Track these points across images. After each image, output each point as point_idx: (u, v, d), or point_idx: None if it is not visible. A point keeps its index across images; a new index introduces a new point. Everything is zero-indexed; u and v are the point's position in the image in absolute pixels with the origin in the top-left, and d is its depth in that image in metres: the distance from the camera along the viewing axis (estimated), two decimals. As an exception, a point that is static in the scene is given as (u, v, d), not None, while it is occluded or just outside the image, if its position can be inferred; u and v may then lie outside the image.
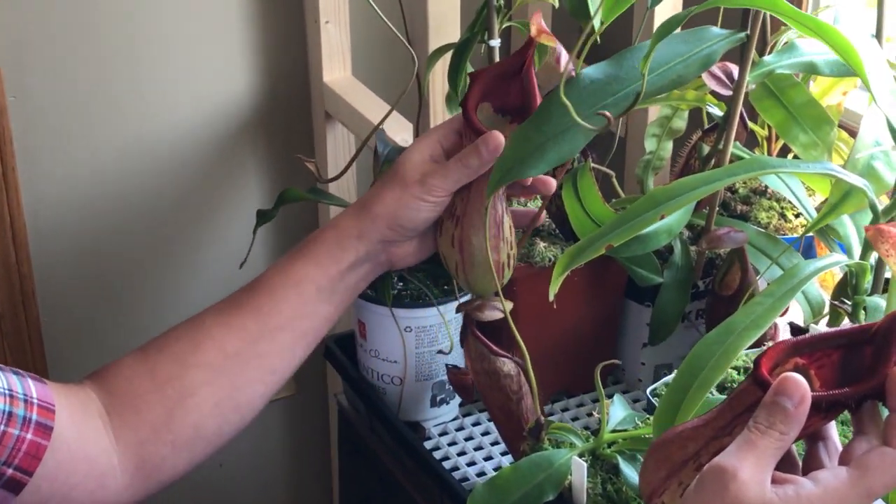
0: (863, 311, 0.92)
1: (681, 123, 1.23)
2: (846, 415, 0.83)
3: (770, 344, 0.77)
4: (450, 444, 1.14)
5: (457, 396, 1.15)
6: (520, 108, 0.96)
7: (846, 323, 0.97)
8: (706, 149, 1.11)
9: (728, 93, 1.04)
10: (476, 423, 1.16)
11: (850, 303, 0.94)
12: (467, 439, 1.14)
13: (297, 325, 0.98)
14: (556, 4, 1.14)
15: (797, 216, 1.24)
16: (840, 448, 0.69)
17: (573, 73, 0.93)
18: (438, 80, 1.30)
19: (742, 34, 0.99)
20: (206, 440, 0.96)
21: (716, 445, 0.68)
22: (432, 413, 1.15)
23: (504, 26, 1.12)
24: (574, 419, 1.16)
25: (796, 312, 1.10)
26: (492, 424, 1.14)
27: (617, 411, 0.94)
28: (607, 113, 0.88)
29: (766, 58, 1.04)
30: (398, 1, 1.20)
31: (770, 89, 1.07)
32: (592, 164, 1.09)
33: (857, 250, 0.96)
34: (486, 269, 0.94)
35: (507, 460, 1.10)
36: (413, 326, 1.09)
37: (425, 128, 1.33)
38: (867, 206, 0.87)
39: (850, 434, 0.69)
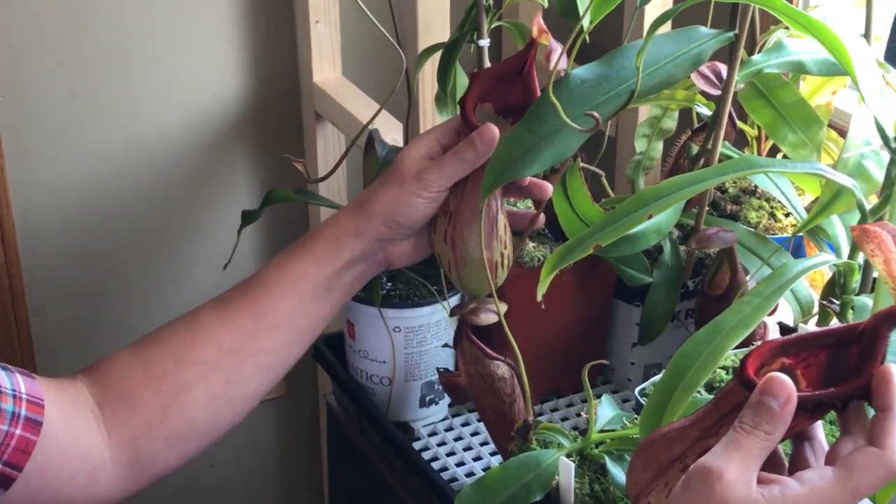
0: (851, 311, 0.92)
1: (671, 123, 1.23)
2: (834, 414, 0.83)
3: (758, 343, 0.76)
4: (439, 445, 1.13)
5: (446, 396, 1.15)
6: (522, 108, 0.95)
7: (835, 322, 0.96)
8: (695, 148, 1.11)
9: (717, 92, 1.04)
10: (465, 424, 1.16)
11: (838, 302, 0.93)
12: (456, 439, 1.14)
13: (293, 322, 0.97)
14: (546, 4, 1.14)
15: (787, 216, 1.24)
16: (826, 448, 0.68)
17: (563, 74, 0.93)
18: (428, 79, 1.30)
19: (730, 33, 0.99)
20: (199, 435, 0.96)
21: (702, 446, 0.68)
22: (421, 413, 1.15)
23: (493, 26, 1.12)
24: (564, 419, 1.16)
25: (786, 312, 1.10)
26: (481, 425, 1.14)
27: (605, 411, 0.94)
28: (595, 114, 0.87)
29: (755, 57, 1.04)
30: (388, 1, 1.20)
31: (759, 89, 1.07)
32: (582, 164, 1.09)
33: (845, 250, 0.96)
34: (479, 267, 0.94)
35: (496, 461, 1.10)
36: (402, 327, 1.09)
37: (415, 128, 1.33)
38: (856, 206, 0.87)
39: (838, 434, 0.69)
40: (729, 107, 1.05)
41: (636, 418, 0.93)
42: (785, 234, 1.20)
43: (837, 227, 0.98)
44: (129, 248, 1.58)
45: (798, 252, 1.19)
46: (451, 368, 1.12)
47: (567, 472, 0.84)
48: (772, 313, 1.06)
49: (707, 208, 1.25)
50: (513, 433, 0.93)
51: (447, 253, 0.95)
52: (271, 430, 1.81)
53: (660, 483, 0.69)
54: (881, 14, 1.06)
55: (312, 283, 0.97)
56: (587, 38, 0.98)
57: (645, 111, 1.28)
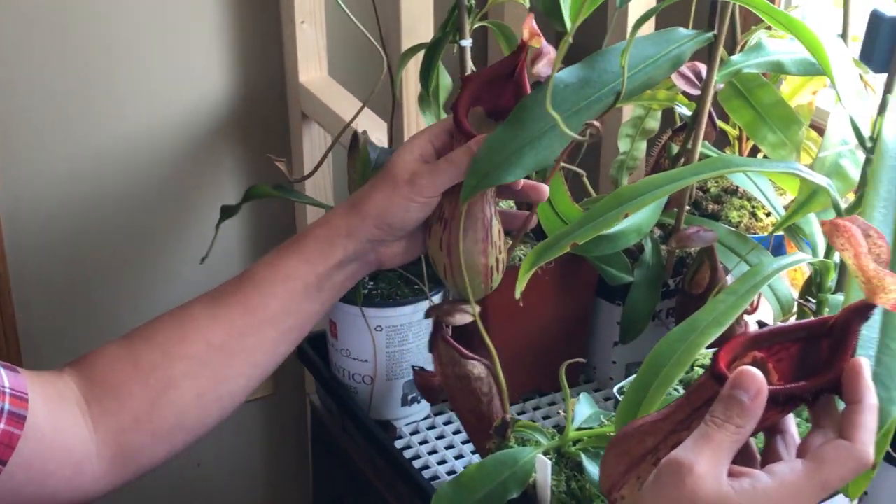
0: (826, 309, 0.92)
1: (654, 124, 1.24)
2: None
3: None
4: (421, 443, 1.14)
5: (428, 395, 1.15)
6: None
7: (812, 320, 0.97)
8: (675, 148, 1.12)
9: (697, 92, 1.05)
10: (448, 422, 1.17)
11: (814, 301, 0.94)
12: (438, 438, 1.14)
13: (283, 321, 0.98)
14: (528, 4, 1.15)
15: (768, 215, 1.24)
16: (799, 441, 0.69)
17: (541, 79, 0.93)
18: (412, 80, 1.30)
19: (709, 34, 1.00)
20: (186, 430, 0.96)
21: (674, 439, 0.68)
22: (403, 412, 1.15)
23: (476, 26, 1.12)
24: (545, 417, 1.17)
25: (766, 310, 1.10)
26: (464, 423, 1.15)
27: (583, 409, 0.94)
28: (595, 122, 0.88)
29: (734, 57, 1.04)
30: (372, 1, 1.20)
31: (738, 89, 1.08)
32: (562, 164, 1.09)
33: (822, 249, 0.96)
34: (475, 273, 0.94)
35: (477, 459, 1.10)
36: (384, 326, 1.10)
37: (399, 128, 1.34)
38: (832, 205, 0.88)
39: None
40: (708, 107, 1.05)
41: (614, 416, 0.93)
42: (766, 234, 1.20)
43: (815, 225, 0.99)
44: (116, 246, 1.59)
45: (778, 251, 1.19)
46: (432, 368, 1.12)
47: (543, 470, 0.84)
48: (753, 311, 1.07)
49: (689, 208, 1.26)
50: (491, 431, 0.93)
51: (443, 259, 0.95)
52: (259, 429, 1.82)
53: (632, 476, 0.70)
54: (860, 14, 1.06)
55: (303, 282, 0.97)
56: (570, 39, 0.98)
57: (628, 111, 1.29)
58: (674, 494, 0.64)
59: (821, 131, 1.19)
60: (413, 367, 1.08)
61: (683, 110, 1.10)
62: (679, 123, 1.18)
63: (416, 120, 1.34)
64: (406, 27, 1.28)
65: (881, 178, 0.77)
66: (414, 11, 1.28)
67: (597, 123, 0.87)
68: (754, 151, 1.24)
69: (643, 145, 1.25)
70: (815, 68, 1.00)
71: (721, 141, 1.29)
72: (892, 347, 0.70)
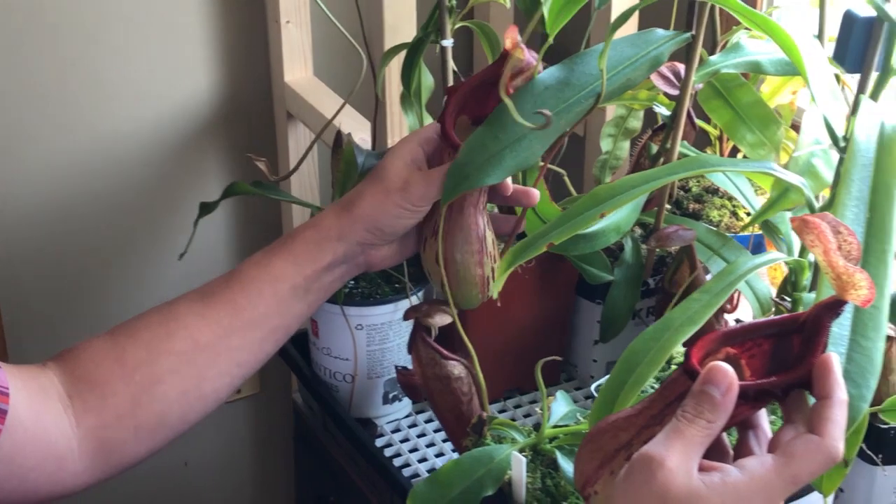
0: (801, 308, 0.93)
1: (636, 123, 1.24)
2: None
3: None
4: (402, 441, 1.14)
5: (410, 393, 1.16)
6: None
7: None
8: (655, 148, 1.13)
9: (676, 92, 1.05)
10: (429, 420, 1.17)
11: (790, 300, 0.95)
12: (420, 436, 1.15)
13: (269, 321, 0.98)
14: (508, 4, 1.15)
15: (749, 215, 1.25)
16: (770, 436, 0.70)
17: (511, 92, 0.93)
18: (395, 79, 1.31)
19: (687, 34, 1.00)
20: (169, 427, 0.96)
21: (647, 434, 0.69)
22: (384, 410, 1.16)
23: (458, 26, 1.13)
24: (527, 416, 1.17)
25: (746, 309, 1.11)
26: (445, 422, 1.15)
27: (559, 407, 0.95)
28: (545, 111, 0.88)
29: (712, 58, 1.05)
30: (355, 1, 1.21)
31: (717, 89, 1.08)
32: (541, 163, 1.10)
33: (797, 248, 0.97)
34: (472, 284, 0.95)
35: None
36: (364, 325, 1.10)
37: (382, 127, 1.34)
38: (805, 204, 0.88)
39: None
40: (687, 107, 1.06)
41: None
42: (746, 233, 1.21)
43: (789, 224, 0.99)
44: (101, 244, 1.59)
45: (759, 250, 1.20)
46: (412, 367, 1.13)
47: (519, 467, 0.85)
48: (733, 310, 1.08)
49: (670, 207, 1.27)
50: (468, 430, 0.93)
51: (440, 272, 0.95)
52: (246, 428, 1.82)
53: (606, 471, 0.70)
54: (837, 15, 1.07)
55: (290, 283, 0.97)
56: (551, 41, 0.98)
57: (611, 111, 1.29)
58: (645, 489, 0.64)
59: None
60: (396, 366, 1.09)
61: (662, 110, 1.11)
62: (659, 123, 1.18)
63: (399, 120, 1.34)
64: (389, 27, 1.28)
65: (853, 177, 0.78)
66: (397, 11, 1.28)
67: (546, 112, 0.87)
68: (735, 151, 1.25)
69: (626, 145, 1.25)
70: (792, 68, 1.00)
71: (702, 141, 1.30)
72: (862, 345, 0.71)
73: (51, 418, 0.92)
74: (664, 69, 1.07)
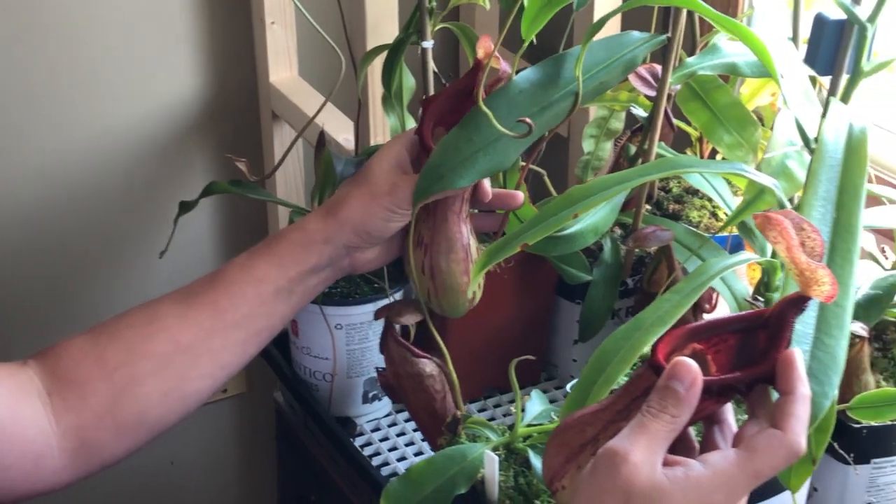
0: (773, 308, 0.93)
1: (618, 124, 1.25)
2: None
3: None
4: (381, 440, 1.15)
5: (390, 393, 1.17)
6: None
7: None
8: (633, 149, 1.13)
9: (654, 93, 1.06)
10: (409, 419, 1.18)
11: (762, 299, 0.95)
12: (399, 435, 1.16)
13: (252, 323, 0.98)
14: (488, 6, 1.16)
15: (728, 216, 1.25)
16: (736, 431, 0.70)
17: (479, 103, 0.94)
18: (377, 80, 1.31)
19: (663, 37, 1.01)
20: (148, 428, 0.97)
21: (613, 429, 0.69)
22: (364, 409, 1.16)
23: (437, 28, 1.13)
24: (506, 415, 1.18)
25: (725, 309, 1.11)
26: (425, 421, 1.16)
27: (534, 406, 0.96)
28: (528, 119, 0.89)
29: (689, 59, 1.06)
30: (338, 2, 1.21)
31: (695, 91, 1.09)
32: (521, 163, 1.11)
33: (770, 248, 0.97)
34: (459, 292, 0.96)
35: (437, 456, 1.11)
36: (343, 324, 1.11)
37: (365, 128, 1.35)
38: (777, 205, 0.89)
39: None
40: (663, 108, 1.07)
41: (565, 413, 0.95)
42: (725, 234, 1.21)
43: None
44: (87, 243, 1.59)
45: (738, 250, 1.20)
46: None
47: (491, 465, 0.85)
48: (712, 310, 1.08)
49: (650, 207, 1.28)
50: (443, 428, 0.94)
51: (426, 283, 0.96)
52: (232, 427, 1.82)
53: (573, 466, 0.71)
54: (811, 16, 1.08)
55: (274, 285, 0.98)
56: (534, 40, 0.99)
57: (594, 112, 1.30)
58: (609, 483, 0.65)
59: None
60: (377, 368, 1.09)
61: (639, 112, 1.11)
62: (638, 124, 1.19)
63: (381, 121, 1.35)
64: (371, 28, 1.29)
65: (820, 177, 0.79)
66: (379, 12, 1.29)
67: (528, 121, 0.88)
68: (715, 152, 1.26)
69: (608, 146, 1.26)
70: (767, 70, 1.01)
71: (683, 142, 1.31)
72: (826, 343, 0.71)
73: (29, 416, 0.92)
74: (642, 70, 1.08)
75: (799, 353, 0.67)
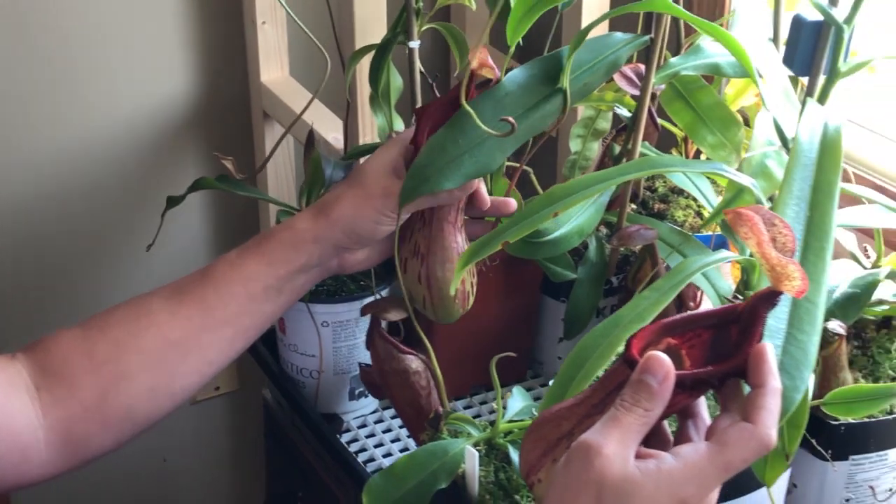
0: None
1: (605, 124, 1.25)
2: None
3: None
4: (368, 437, 1.16)
5: (377, 390, 1.18)
6: None
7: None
8: (618, 148, 1.14)
9: (638, 93, 1.07)
10: (395, 416, 1.19)
11: (742, 298, 0.96)
12: (385, 431, 1.17)
13: (240, 321, 0.99)
14: (474, 7, 1.17)
15: (713, 215, 1.26)
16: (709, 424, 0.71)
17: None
18: (365, 80, 1.32)
19: (646, 38, 1.02)
20: (136, 423, 0.97)
21: (588, 423, 0.70)
22: (351, 406, 1.17)
23: (424, 28, 1.14)
24: (491, 412, 1.19)
25: (709, 308, 1.12)
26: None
27: (515, 403, 0.97)
28: (511, 119, 0.90)
29: (672, 60, 1.07)
30: (326, 2, 1.22)
31: (679, 91, 1.10)
32: (507, 163, 1.12)
33: (750, 247, 0.98)
34: (454, 300, 0.98)
35: (422, 452, 1.12)
36: (330, 321, 1.12)
37: (354, 127, 1.36)
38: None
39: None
40: (647, 108, 1.08)
41: (546, 409, 0.96)
42: (709, 233, 1.22)
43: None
44: (77, 245, 1.60)
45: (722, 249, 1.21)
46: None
47: (472, 461, 0.86)
48: (697, 308, 1.09)
49: (635, 206, 1.29)
50: (426, 423, 0.95)
51: (422, 292, 0.97)
52: (224, 425, 1.83)
53: (549, 459, 0.72)
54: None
55: (263, 283, 0.98)
56: (520, 41, 0.99)
57: (581, 112, 1.31)
58: (583, 475, 0.66)
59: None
60: (360, 363, 1.10)
61: (623, 111, 1.12)
62: (622, 124, 1.20)
63: (370, 120, 1.36)
64: (359, 28, 1.30)
65: (794, 176, 0.80)
66: (367, 13, 1.30)
67: (511, 120, 0.89)
68: (700, 152, 1.27)
69: (595, 145, 1.27)
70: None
71: (670, 142, 1.32)
72: (798, 338, 0.72)
73: (17, 409, 0.93)
74: (627, 70, 1.09)
75: (770, 348, 0.68)
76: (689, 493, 0.66)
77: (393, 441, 1.15)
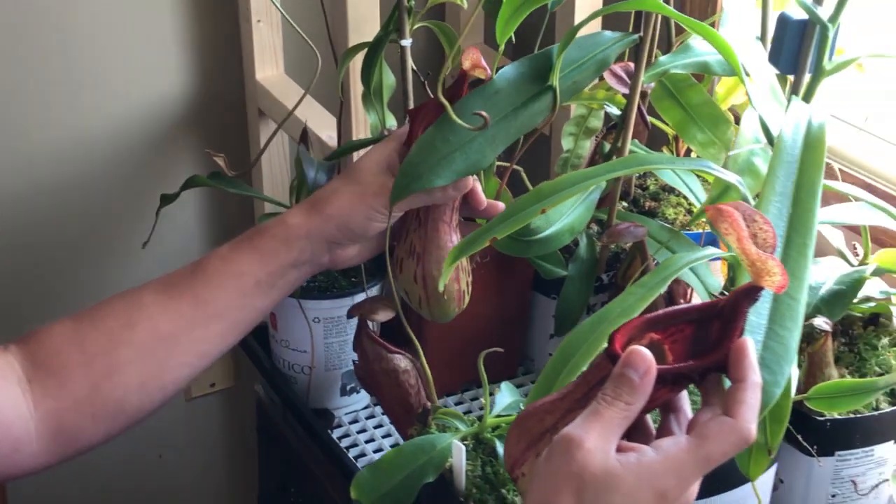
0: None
1: (597, 123, 1.26)
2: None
3: None
4: (359, 432, 1.17)
5: (368, 385, 1.18)
6: None
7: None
8: (608, 146, 1.15)
9: (627, 91, 1.08)
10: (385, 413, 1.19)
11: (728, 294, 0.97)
12: (377, 427, 1.17)
13: (231, 315, 0.99)
14: (465, 5, 1.18)
15: (704, 213, 1.27)
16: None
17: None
18: (358, 78, 1.33)
19: (635, 36, 1.03)
20: (127, 415, 0.98)
21: (571, 417, 0.71)
22: (343, 402, 1.18)
23: (416, 26, 1.15)
24: (482, 408, 1.19)
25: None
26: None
27: (503, 398, 0.97)
28: (483, 113, 0.91)
29: (662, 58, 1.07)
30: (320, 1, 1.23)
31: (668, 90, 1.11)
32: (497, 163, 1.13)
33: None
34: (450, 299, 0.98)
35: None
36: (321, 318, 1.13)
37: (348, 124, 1.36)
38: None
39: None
40: (636, 106, 1.08)
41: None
42: (700, 230, 1.23)
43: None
44: (71, 243, 1.61)
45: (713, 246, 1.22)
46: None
47: (459, 455, 0.87)
48: (686, 303, 1.10)
49: (626, 204, 1.30)
50: (414, 419, 0.96)
51: (418, 291, 0.98)
52: (220, 421, 1.84)
53: (532, 453, 0.72)
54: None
55: (254, 279, 0.99)
56: (512, 38, 1.00)
57: (573, 110, 1.31)
58: (564, 468, 0.67)
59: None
60: (354, 361, 1.11)
61: (613, 109, 1.13)
62: (613, 122, 1.21)
63: (363, 118, 1.36)
64: (353, 26, 1.31)
65: (778, 173, 0.80)
66: (360, 10, 1.30)
67: (483, 114, 0.89)
68: (691, 150, 1.27)
69: (587, 143, 1.27)
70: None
71: (661, 140, 1.33)
72: (779, 334, 0.73)
73: (9, 401, 0.93)
74: (617, 68, 1.10)
75: (751, 343, 0.68)
76: (669, 486, 0.66)
77: (384, 436, 1.16)
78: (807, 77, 0.91)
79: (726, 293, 1.00)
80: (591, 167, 0.92)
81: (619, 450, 0.68)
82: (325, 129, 1.42)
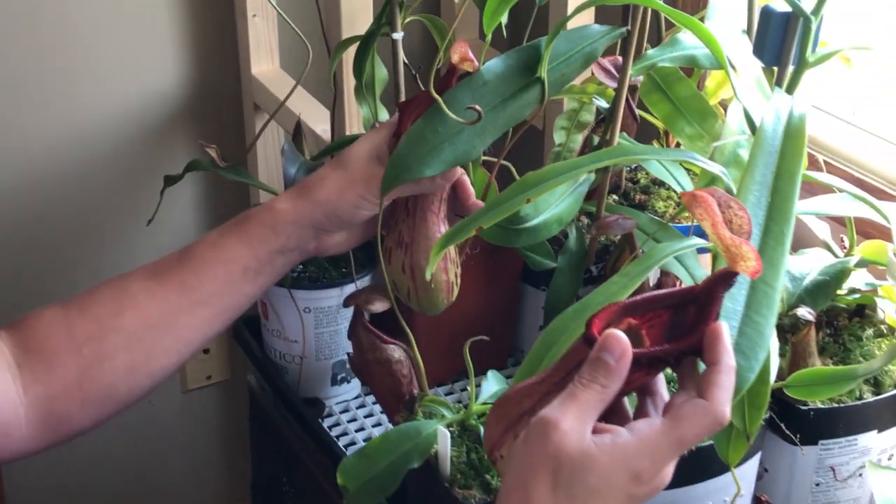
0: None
1: (588, 116, 1.27)
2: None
3: None
4: (349, 421, 1.18)
5: (359, 375, 1.19)
6: None
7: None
8: (597, 140, 1.16)
9: (616, 84, 1.09)
10: (377, 401, 1.20)
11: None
12: (367, 416, 1.18)
13: (219, 301, 1.00)
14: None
15: (693, 206, 1.28)
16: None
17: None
18: (351, 71, 1.34)
19: (622, 30, 1.04)
20: (115, 401, 0.99)
21: (548, 400, 0.72)
22: (334, 391, 1.19)
23: (408, 20, 1.16)
24: (472, 398, 1.21)
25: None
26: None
27: (490, 386, 0.98)
28: (477, 107, 0.92)
29: (650, 52, 1.08)
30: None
31: (657, 83, 1.12)
32: (484, 157, 1.14)
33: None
34: (439, 290, 0.99)
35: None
36: (312, 307, 1.14)
37: (341, 117, 1.37)
38: (726, 192, 0.92)
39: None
40: (624, 99, 1.09)
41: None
42: (689, 223, 1.24)
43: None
44: (69, 236, 1.62)
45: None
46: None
47: (444, 441, 0.88)
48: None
49: (617, 198, 1.30)
50: (402, 406, 0.97)
51: (407, 282, 0.99)
52: (216, 413, 1.85)
53: (510, 436, 0.73)
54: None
55: (242, 265, 0.99)
56: (504, 33, 1.01)
57: (566, 104, 1.32)
58: (541, 449, 0.68)
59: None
60: (348, 353, 1.12)
61: (601, 103, 1.14)
62: (603, 116, 1.21)
63: (356, 111, 1.37)
64: (346, 20, 1.32)
65: (758, 162, 0.81)
66: (354, 5, 1.32)
67: (478, 108, 0.90)
68: (680, 144, 1.28)
69: (579, 137, 1.28)
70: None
71: (651, 133, 1.33)
72: (755, 320, 0.74)
73: None
74: (605, 62, 1.10)
75: (725, 326, 0.69)
76: (644, 467, 0.67)
77: (374, 426, 1.17)
78: (790, 69, 0.92)
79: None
80: (577, 157, 0.92)
81: (595, 431, 0.69)
82: (319, 122, 1.43)
